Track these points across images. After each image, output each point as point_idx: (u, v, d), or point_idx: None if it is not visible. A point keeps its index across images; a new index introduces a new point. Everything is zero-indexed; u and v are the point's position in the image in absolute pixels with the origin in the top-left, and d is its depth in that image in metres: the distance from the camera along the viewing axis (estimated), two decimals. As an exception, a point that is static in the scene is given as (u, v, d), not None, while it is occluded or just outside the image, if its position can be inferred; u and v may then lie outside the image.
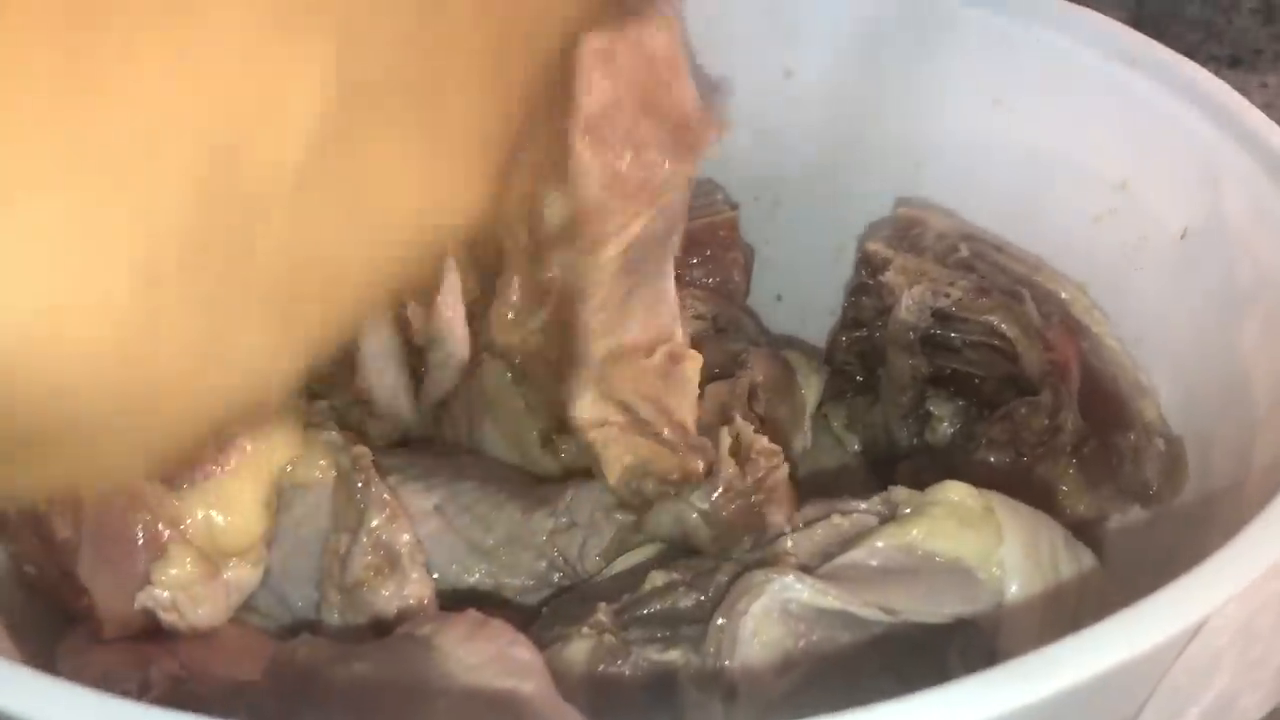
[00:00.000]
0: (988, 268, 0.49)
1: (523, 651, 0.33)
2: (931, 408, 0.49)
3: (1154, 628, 0.29)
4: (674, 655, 0.36)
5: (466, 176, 0.23)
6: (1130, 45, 0.48)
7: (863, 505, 0.38)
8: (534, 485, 0.43)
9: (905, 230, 0.51)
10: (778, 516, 0.39)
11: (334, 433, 0.42)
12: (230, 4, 0.19)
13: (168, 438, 0.21)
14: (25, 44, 0.18)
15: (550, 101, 0.25)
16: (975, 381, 0.48)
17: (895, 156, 0.53)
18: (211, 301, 0.20)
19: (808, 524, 0.38)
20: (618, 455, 0.40)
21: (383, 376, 0.44)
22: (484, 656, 0.33)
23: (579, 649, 0.36)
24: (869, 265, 0.50)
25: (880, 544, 0.37)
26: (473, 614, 0.34)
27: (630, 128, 0.37)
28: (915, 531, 0.37)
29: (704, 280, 0.52)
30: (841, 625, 0.36)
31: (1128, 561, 0.43)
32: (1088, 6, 0.50)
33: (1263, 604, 0.35)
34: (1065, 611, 0.36)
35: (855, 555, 0.37)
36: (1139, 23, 0.49)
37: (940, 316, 0.48)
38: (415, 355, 0.44)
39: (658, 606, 0.38)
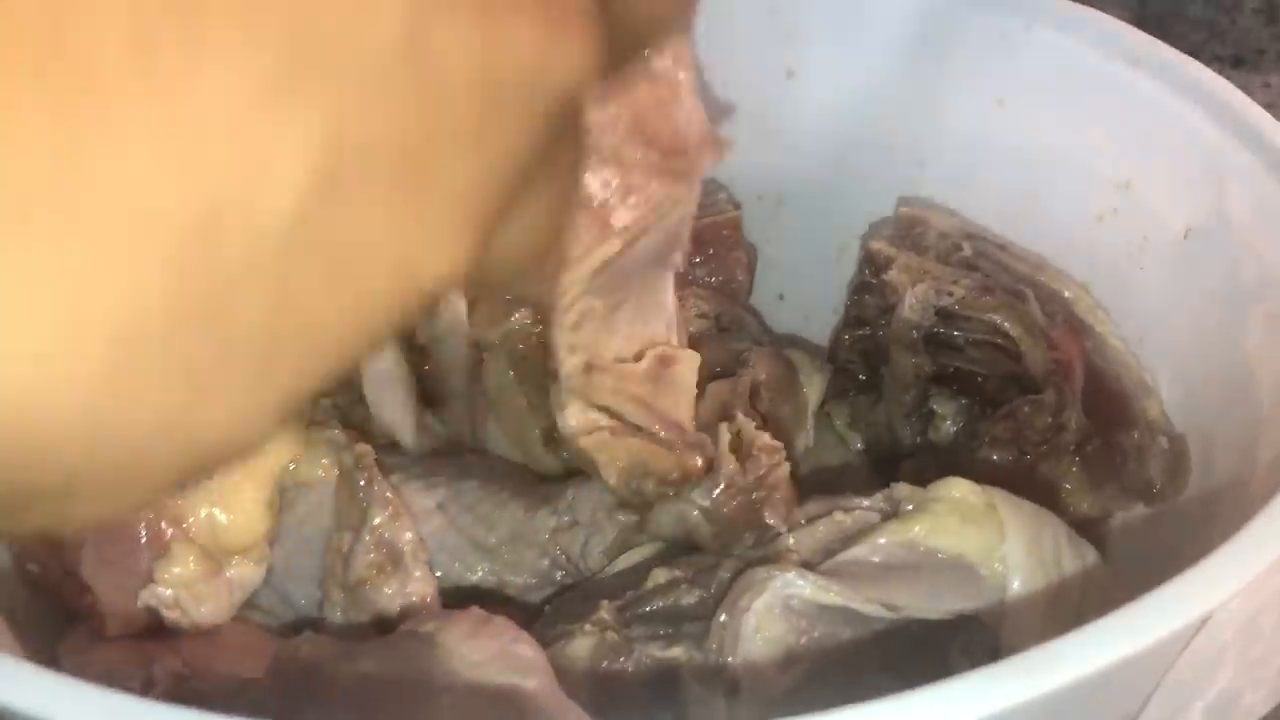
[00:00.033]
0: (991, 266, 0.49)
1: (526, 648, 0.33)
2: (934, 406, 0.49)
3: (1157, 623, 0.29)
4: (676, 652, 0.36)
5: (451, 235, 0.23)
6: (1133, 45, 0.48)
7: (865, 502, 0.38)
8: (536, 483, 0.43)
9: (908, 229, 0.51)
10: (779, 513, 0.39)
11: (337, 431, 0.42)
12: (220, 74, 0.19)
13: (145, 484, 0.21)
14: (6, 115, 0.18)
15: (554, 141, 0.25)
16: (978, 380, 0.48)
17: (898, 156, 0.53)
18: (188, 361, 0.20)
19: (810, 521, 0.38)
20: (612, 458, 0.40)
21: (382, 398, 0.44)
22: (487, 653, 0.33)
23: (582, 646, 0.36)
24: (872, 264, 0.50)
25: (883, 540, 0.37)
26: (476, 611, 0.34)
27: (615, 150, 0.37)
28: (918, 528, 0.37)
29: (707, 279, 0.52)
30: (843, 621, 0.36)
31: (1131, 559, 0.43)
32: (1090, 6, 0.50)
33: (1266, 602, 0.35)
34: (1068, 608, 0.36)
35: (857, 552, 0.37)
36: (1142, 23, 0.49)
37: (943, 315, 0.48)
38: (418, 354, 0.45)
39: (660, 604, 0.38)
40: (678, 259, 0.40)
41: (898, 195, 0.53)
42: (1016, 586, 0.36)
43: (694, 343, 0.43)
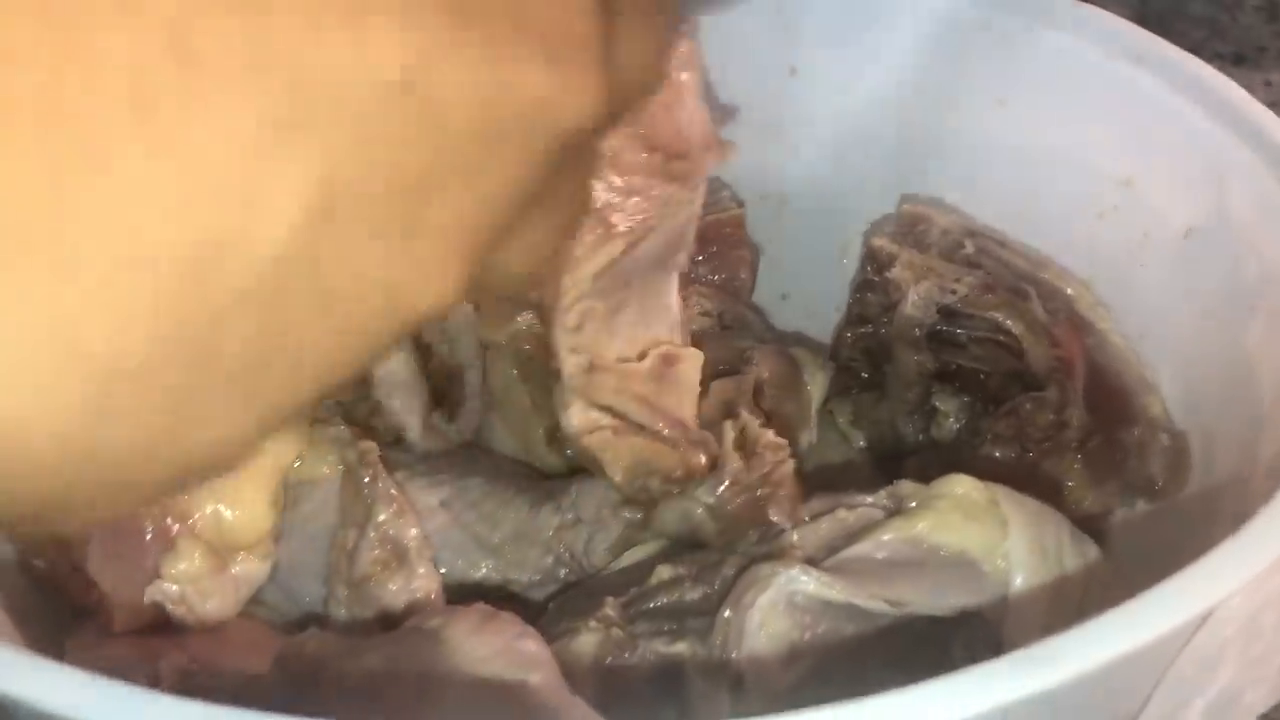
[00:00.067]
0: (993, 264, 0.49)
1: (531, 644, 0.33)
2: (937, 403, 0.49)
3: (1158, 619, 0.29)
4: (681, 648, 0.36)
5: (444, 266, 0.23)
6: (1135, 43, 0.48)
7: (868, 499, 0.39)
8: (540, 481, 0.44)
9: (910, 227, 0.51)
10: (784, 510, 0.39)
11: (341, 428, 0.42)
12: (217, 124, 0.19)
13: (136, 493, 0.22)
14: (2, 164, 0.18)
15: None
16: (981, 377, 0.48)
17: (901, 154, 0.54)
18: (175, 387, 0.20)
19: (813, 518, 0.38)
20: (616, 456, 0.40)
21: (393, 398, 0.44)
22: (492, 649, 0.33)
23: (586, 642, 0.36)
24: (874, 261, 0.50)
25: (886, 537, 0.37)
26: (481, 607, 0.34)
27: (618, 152, 0.37)
28: (921, 524, 0.37)
29: (710, 277, 0.52)
30: (847, 618, 0.36)
31: (1133, 556, 0.43)
32: (1092, 5, 0.50)
33: (1267, 600, 0.35)
34: (1070, 604, 0.37)
35: (861, 548, 0.37)
36: (1143, 20, 0.49)
37: (946, 313, 0.48)
38: (423, 352, 0.45)
39: (664, 600, 0.38)
40: (682, 261, 0.40)
41: (900, 193, 0.53)
42: (1019, 582, 0.36)
43: (697, 341, 0.43)
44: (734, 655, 0.35)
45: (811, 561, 0.36)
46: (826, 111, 0.55)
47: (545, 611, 0.40)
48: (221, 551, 0.40)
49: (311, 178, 0.20)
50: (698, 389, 0.42)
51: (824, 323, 0.55)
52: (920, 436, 0.49)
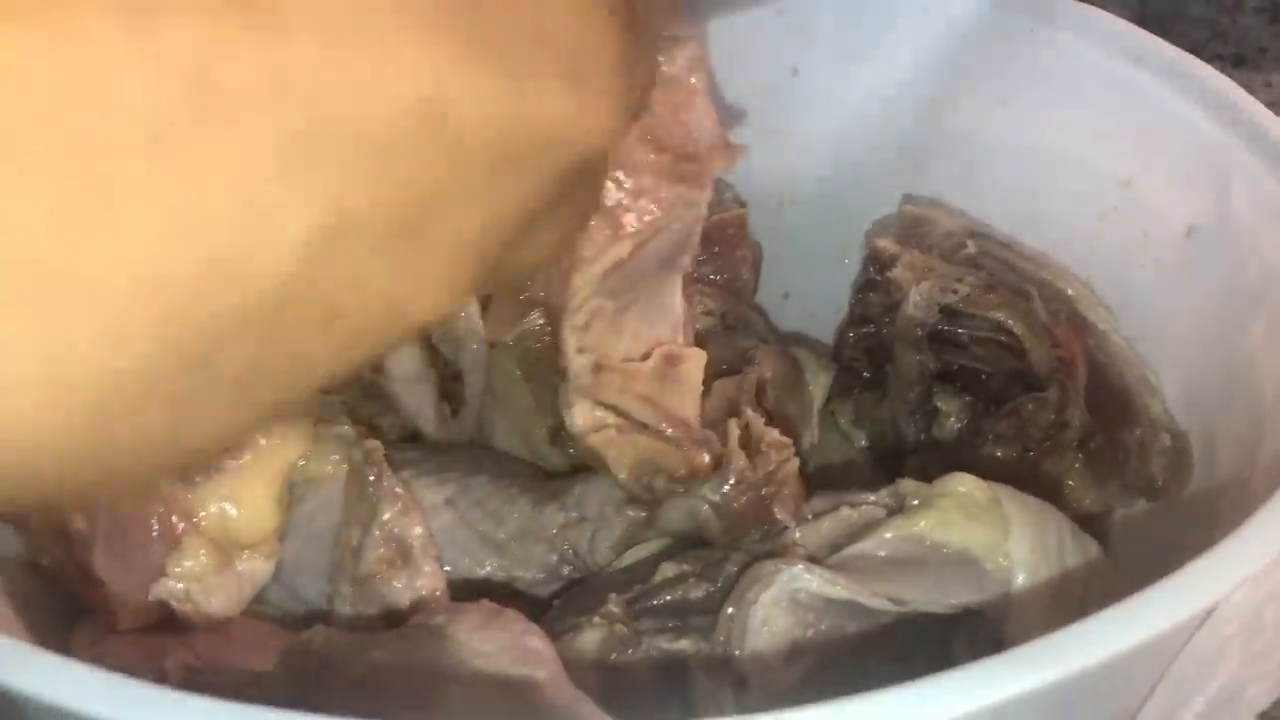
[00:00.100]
0: (995, 264, 0.49)
1: (535, 640, 0.33)
2: (938, 403, 0.49)
3: (1159, 616, 0.29)
4: (684, 645, 0.36)
5: (448, 279, 0.23)
6: (1136, 43, 0.48)
7: (871, 497, 0.39)
8: (544, 479, 0.44)
9: (912, 227, 0.51)
10: (788, 509, 0.39)
11: (346, 427, 0.43)
12: (233, 158, 0.19)
13: (133, 483, 0.22)
14: (13, 185, 0.18)
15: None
16: (982, 377, 0.49)
17: (902, 154, 0.54)
18: (173, 397, 0.20)
19: (816, 516, 0.39)
20: (621, 455, 0.41)
21: (408, 391, 0.44)
22: (497, 645, 0.33)
23: (591, 639, 0.36)
24: (876, 262, 0.50)
25: (888, 535, 0.37)
26: (486, 604, 0.35)
27: (627, 153, 0.37)
28: (923, 523, 0.37)
29: (712, 277, 0.52)
30: (849, 615, 0.36)
31: (1134, 555, 0.43)
32: (1093, 6, 0.50)
33: (1268, 596, 0.35)
34: (1072, 601, 0.37)
35: (863, 546, 0.37)
36: (1143, 22, 0.49)
37: (947, 313, 0.48)
38: (431, 351, 0.45)
39: (668, 597, 0.38)
40: (686, 262, 0.40)
41: (902, 193, 0.54)
42: (1021, 580, 0.36)
43: (700, 340, 0.43)
44: (737, 652, 0.35)
45: (814, 559, 0.37)
46: (828, 112, 0.55)
47: (549, 608, 0.40)
48: (226, 549, 0.41)
49: (322, 202, 0.20)
50: (700, 388, 0.42)
51: (825, 322, 0.55)
52: (922, 436, 0.50)
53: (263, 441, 0.41)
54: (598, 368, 0.39)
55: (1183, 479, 0.45)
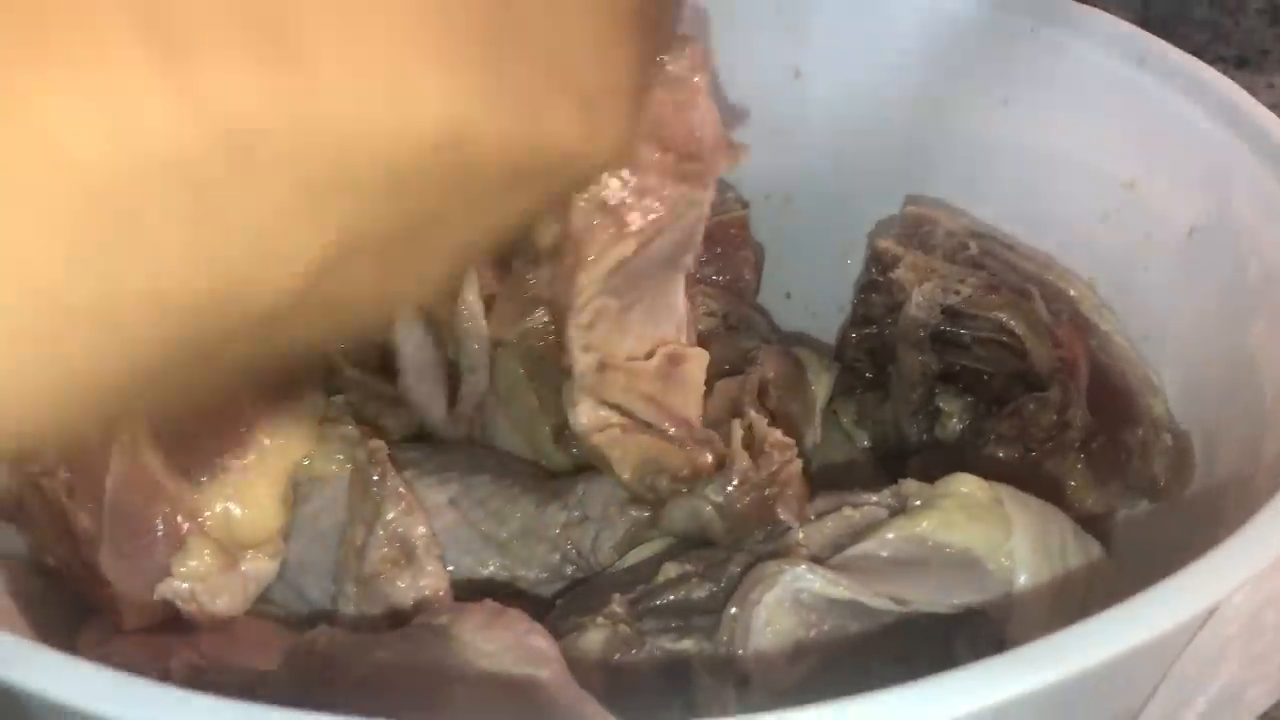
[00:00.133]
0: (997, 265, 0.49)
1: (539, 640, 0.33)
2: (941, 404, 0.49)
3: (1161, 616, 0.29)
4: (687, 644, 0.36)
5: (443, 276, 0.23)
6: (1138, 45, 0.48)
7: (873, 498, 0.39)
8: (547, 479, 0.44)
9: (915, 228, 0.51)
10: (792, 509, 0.39)
11: (350, 427, 0.43)
12: (255, 189, 0.19)
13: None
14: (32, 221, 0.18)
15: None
16: (984, 378, 0.49)
17: (904, 155, 0.54)
18: (163, 383, 0.21)
19: (819, 516, 0.39)
20: (625, 455, 0.41)
21: (420, 383, 0.44)
22: (501, 644, 0.33)
23: (594, 638, 0.37)
24: (879, 262, 0.51)
25: (891, 535, 0.37)
26: (489, 603, 0.35)
27: (635, 150, 0.37)
28: (925, 523, 0.37)
29: (714, 278, 0.52)
30: (852, 615, 0.36)
31: (1136, 555, 0.43)
32: (1095, 8, 0.51)
33: (1269, 597, 0.35)
34: (1074, 602, 0.37)
35: (866, 546, 0.37)
36: (1146, 24, 0.49)
37: (950, 313, 0.49)
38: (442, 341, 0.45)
39: (671, 597, 0.38)
40: (689, 261, 0.41)
41: (904, 194, 0.54)
42: (1023, 581, 0.37)
43: (702, 341, 0.43)
44: (740, 652, 0.35)
45: (817, 559, 0.37)
46: (831, 112, 0.55)
47: (552, 608, 0.40)
48: (231, 549, 0.41)
49: (336, 230, 0.20)
50: (702, 388, 0.42)
51: (827, 323, 0.55)
52: (924, 437, 0.50)
53: (267, 441, 0.42)
54: (602, 366, 0.39)
55: (1185, 479, 0.45)
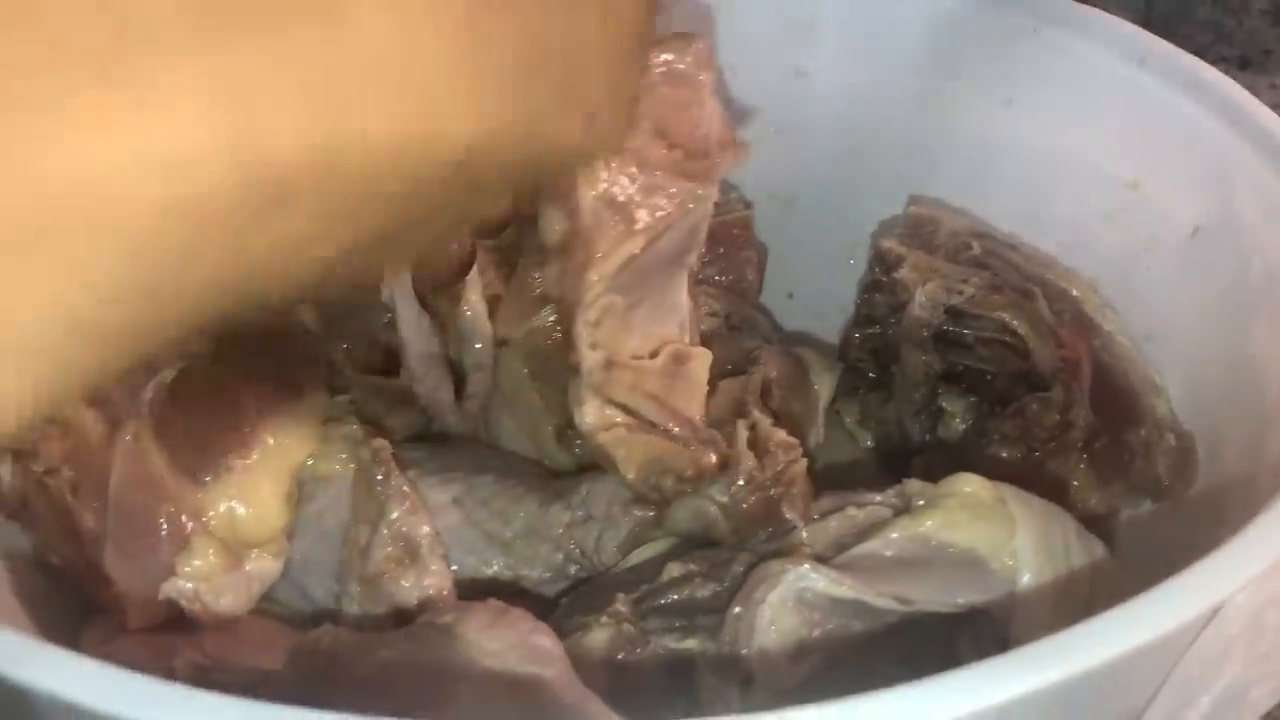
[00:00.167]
0: (1000, 265, 0.50)
1: (543, 639, 0.33)
2: (944, 404, 0.49)
3: (1164, 616, 0.29)
4: (691, 644, 0.36)
5: (415, 254, 0.23)
6: (1141, 45, 0.48)
7: (877, 497, 0.39)
8: (551, 479, 0.44)
9: (918, 228, 0.51)
10: (797, 509, 0.39)
11: (354, 426, 0.43)
12: (278, 222, 0.20)
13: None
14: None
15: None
16: (987, 378, 0.49)
17: (907, 155, 0.54)
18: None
19: (823, 516, 0.39)
20: (630, 454, 0.41)
21: (426, 373, 0.44)
22: (505, 643, 0.33)
23: (598, 638, 0.37)
24: (882, 262, 0.51)
25: (894, 535, 0.37)
26: (493, 603, 0.35)
27: (639, 149, 0.37)
28: (929, 523, 0.37)
29: (717, 278, 0.53)
30: (855, 615, 0.36)
31: (1139, 555, 0.43)
32: (1098, 8, 0.51)
33: (1273, 597, 0.35)
34: (1078, 601, 0.37)
35: (870, 546, 0.37)
36: (1148, 24, 0.50)
37: (953, 313, 0.49)
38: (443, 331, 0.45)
39: (675, 596, 0.38)
40: (693, 260, 0.41)
41: (907, 194, 0.54)
42: (1026, 580, 0.37)
43: (705, 341, 0.43)
44: (744, 651, 0.36)
45: (821, 559, 0.37)
46: (834, 113, 0.55)
47: (556, 607, 0.40)
48: (235, 548, 0.41)
49: (350, 237, 0.21)
50: (705, 388, 0.42)
51: (830, 323, 0.55)
52: (927, 436, 0.50)
53: (271, 441, 0.42)
54: (609, 364, 0.39)
55: (1188, 479, 0.45)
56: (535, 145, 0.22)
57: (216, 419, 0.41)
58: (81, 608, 0.42)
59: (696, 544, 0.41)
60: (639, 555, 0.41)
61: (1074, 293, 0.49)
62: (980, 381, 0.49)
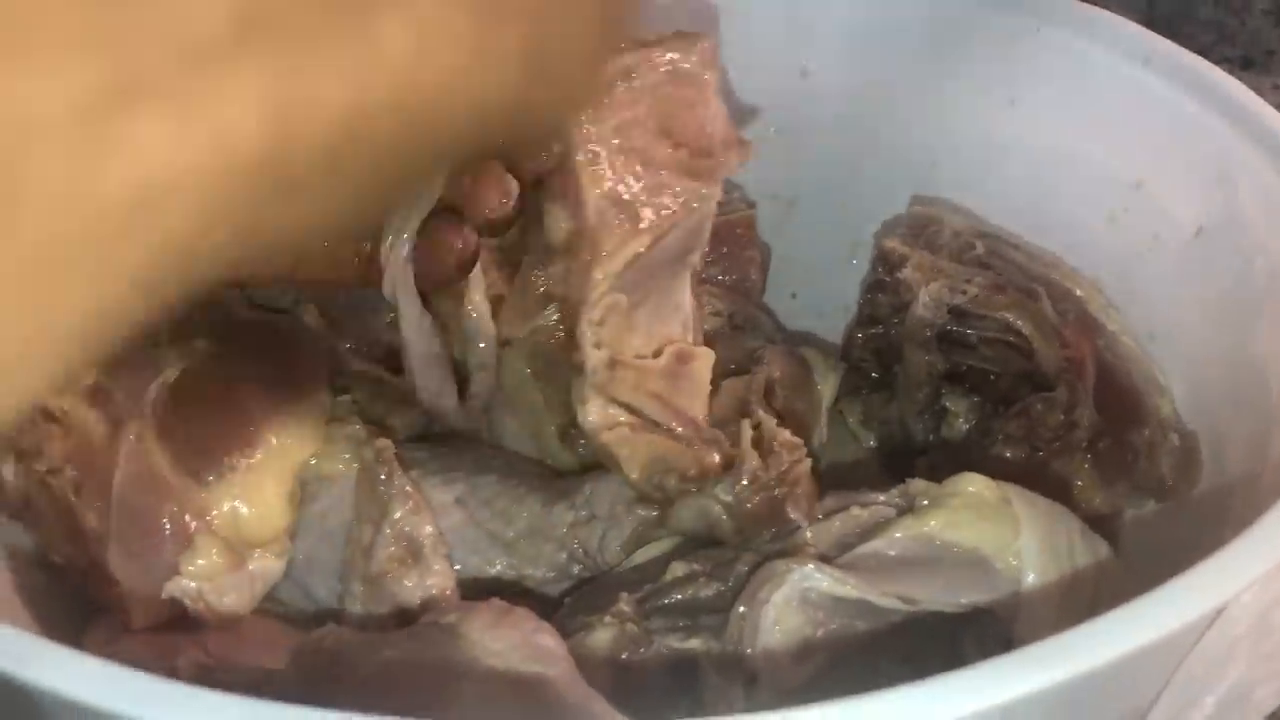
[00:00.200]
0: (1003, 265, 0.49)
1: (547, 638, 0.33)
2: (947, 404, 0.49)
3: (1169, 616, 0.29)
4: (695, 643, 0.36)
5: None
6: (1144, 45, 0.48)
7: (881, 497, 0.39)
8: (554, 478, 0.44)
9: (921, 228, 0.51)
10: (801, 509, 0.39)
11: (357, 426, 0.43)
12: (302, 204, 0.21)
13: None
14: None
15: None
16: (991, 378, 0.49)
17: (911, 155, 0.54)
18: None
19: (827, 515, 0.39)
20: (634, 453, 0.41)
21: (429, 372, 0.44)
22: (509, 643, 0.33)
23: (602, 637, 0.37)
24: (886, 262, 0.51)
25: (899, 535, 0.37)
26: (497, 602, 0.35)
27: (644, 147, 0.37)
28: (933, 522, 0.37)
29: (721, 278, 0.52)
30: (859, 614, 0.36)
31: (1143, 555, 0.43)
32: (1101, 8, 0.51)
33: (1278, 597, 0.35)
34: (1082, 601, 0.37)
35: (874, 546, 0.37)
36: (1151, 24, 0.50)
37: (956, 313, 0.49)
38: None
39: (678, 596, 0.38)
40: (696, 259, 0.41)
41: (911, 194, 0.54)
42: (1031, 580, 0.37)
43: (708, 341, 0.43)
44: (748, 651, 0.36)
45: (825, 559, 0.37)
46: (837, 113, 0.55)
47: (560, 607, 0.40)
48: (238, 548, 0.41)
49: (368, 191, 0.22)
50: (708, 387, 0.42)
51: (833, 323, 0.55)
52: (930, 436, 0.50)
53: (274, 440, 0.42)
54: (612, 363, 0.39)
55: (1192, 479, 0.45)
56: (518, 112, 0.24)
57: (219, 419, 0.41)
58: (84, 607, 0.42)
59: (700, 543, 0.41)
60: (643, 555, 0.41)
61: (1078, 292, 0.49)
62: (984, 381, 0.49)
